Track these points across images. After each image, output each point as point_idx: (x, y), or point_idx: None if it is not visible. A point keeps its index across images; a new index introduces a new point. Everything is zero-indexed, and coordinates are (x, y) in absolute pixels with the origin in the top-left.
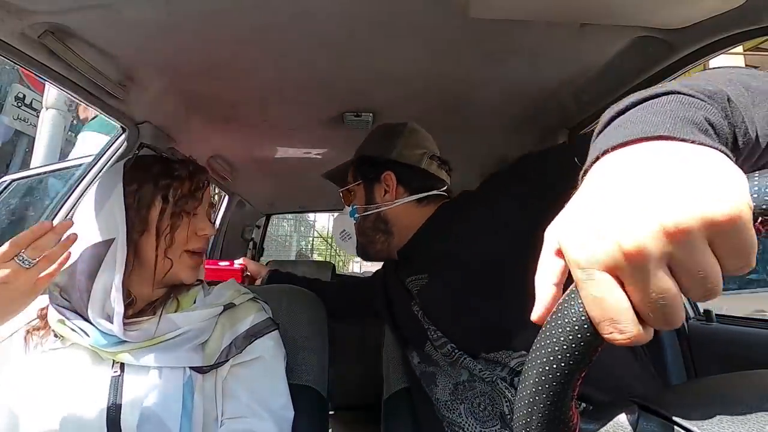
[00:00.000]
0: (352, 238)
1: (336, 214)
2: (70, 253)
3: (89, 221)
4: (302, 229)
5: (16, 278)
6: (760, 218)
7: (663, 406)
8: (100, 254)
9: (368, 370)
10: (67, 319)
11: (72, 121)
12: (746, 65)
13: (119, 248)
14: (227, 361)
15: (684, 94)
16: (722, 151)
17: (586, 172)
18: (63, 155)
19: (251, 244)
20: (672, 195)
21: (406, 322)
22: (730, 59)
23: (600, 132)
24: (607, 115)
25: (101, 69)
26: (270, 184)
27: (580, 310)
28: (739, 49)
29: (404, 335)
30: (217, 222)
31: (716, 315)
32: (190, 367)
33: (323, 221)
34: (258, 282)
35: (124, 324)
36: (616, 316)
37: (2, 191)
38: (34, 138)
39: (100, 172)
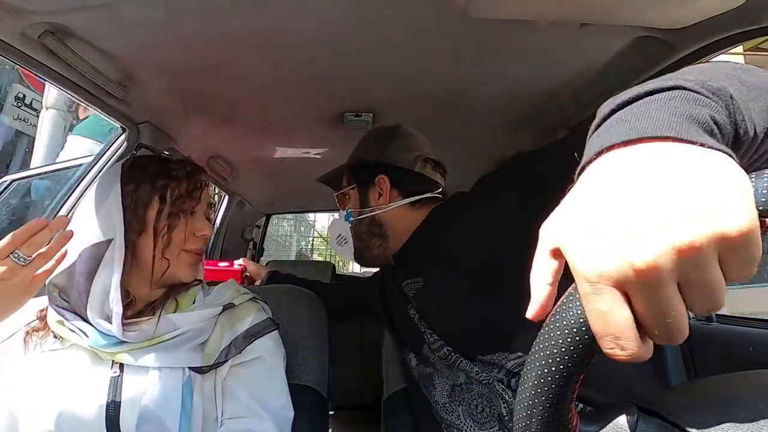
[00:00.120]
0: (348, 242)
1: (334, 216)
2: (66, 250)
3: (87, 221)
4: (302, 229)
5: (12, 275)
6: (766, 220)
7: (662, 408)
8: (98, 254)
9: (368, 370)
10: (66, 320)
11: (72, 121)
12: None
13: (117, 248)
14: (226, 361)
15: (689, 89)
16: (728, 154)
17: (583, 168)
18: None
19: (251, 244)
20: (683, 209)
21: (403, 325)
22: (730, 59)
23: (599, 125)
24: (607, 108)
25: (101, 69)
26: (270, 184)
27: (579, 312)
28: (739, 49)
29: (402, 337)
30: (217, 222)
31: (716, 315)
32: (190, 368)
33: (323, 221)
34: (258, 283)
35: (123, 324)
36: (620, 333)
37: (2, 191)
38: (34, 138)
39: (99, 172)
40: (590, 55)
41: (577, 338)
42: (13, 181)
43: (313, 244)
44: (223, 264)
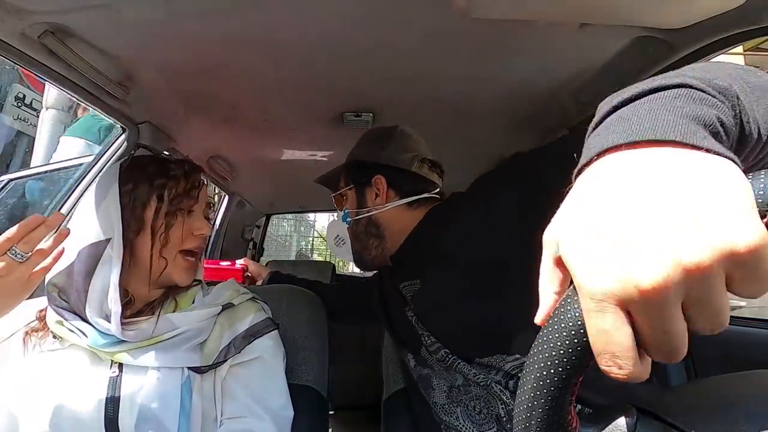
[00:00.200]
0: (346, 243)
1: (334, 216)
2: (63, 248)
3: (86, 221)
4: (302, 229)
5: (10, 272)
6: (767, 217)
7: (661, 410)
8: (97, 254)
9: (368, 370)
10: (65, 320)
11: (72, 121)
12: (746, 65)
13: (115, 247)
14: (225, 361)
15: (695, 88)
16: (734, 161)
17: (582, 169)
18: None
19: (251, 244)
20: (689, 224)
21: (401, 326)
22: (730, 59)
23: (599, 122)
24: (608, 104)
25: (101, 69)
26: (270, 184)
27: (577, 315)
28: (739, 49)
29: (401, 339)
30: (217, 222)
31: None
32: (189, 368)
33: (323, 221)
34: (259, 283)
35: (123, 324)
36: (619, 353)
37: (0, 191)
38: (34, 138)
39: (99, 172)
40: (590, 55)
41: (576, 341)
42: (11, 180)
43: (313, 244)
44: (225, 263)
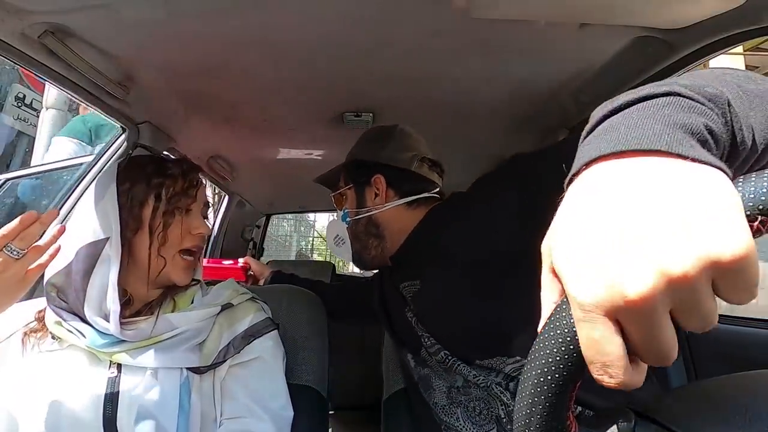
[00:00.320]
0: (345, 242)
1: (334, 216)
2: (60, 245)
3: (84, 221)
4: (302, 229)
5: (6, 269)
6: (759, 218)
7: (660, 413)
8: (95, 253)
9: (368, 370)
10: (64, 320)
11: None
12: (746, 65)
13: (113, 247)
14: (225, 361)
15: (684, 96)
16: (721, 169)
17: (573, 177)
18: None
19: (251, 244)
20: (675, 236)
21: (401, 327)
22: (730, 59)
23: (590, 131)
24: (599, 113)
25: (101, 69)
26: (270, 184)
27: (571, 322)
28: (739, 49)
29: (400, 339)
30: (217, 222)
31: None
32: (187, 368)
33: (323, 221)
34: (261, 283)
35: (121, 324)
36: (609, 362)
37: None
38: (34, 138)
39: (100, 171)
40: (590, 55)
41: (572, 347)
42: (8, 180)
43: (313, 244)
44: (227, 262)
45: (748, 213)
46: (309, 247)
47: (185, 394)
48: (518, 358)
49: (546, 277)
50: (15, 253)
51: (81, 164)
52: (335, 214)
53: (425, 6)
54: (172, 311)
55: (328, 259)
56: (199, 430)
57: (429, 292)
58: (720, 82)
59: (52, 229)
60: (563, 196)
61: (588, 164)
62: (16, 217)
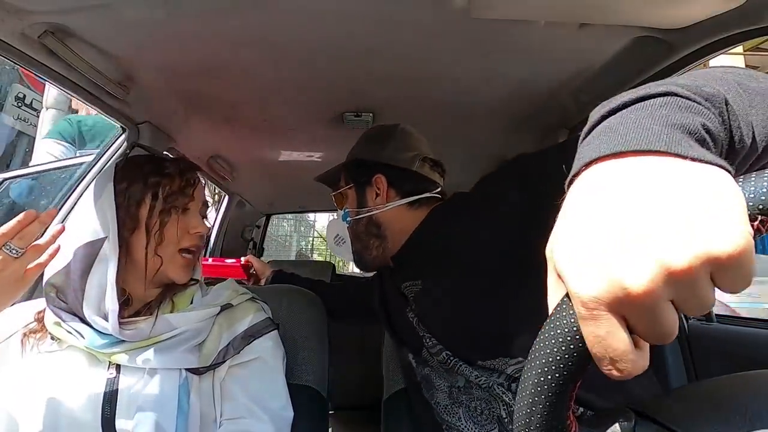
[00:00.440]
0: (346, 242)
1: (334, 216)
2: (59, 245)
3: (82, 221)
4: (302, 229)
5: (5, 267)
6: (759, 218)
7: (660, 413)
8: (93, 252)
9: (368, 370)
10: (63, 321)
11: None
12: (746, 65)
13: (110, 246)
14: (224, 362)
15: (681, 96)
16: (721, 166)
17: (572, 179)
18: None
19: (251, 244)
20: (675, 231)
21: (401, 327)
22: (730, 59)
23: (589, 132)
24: (597, 114)
25: (101, 69)
26: (270, 184)
27: (572, 321)
28: (739, 49)
29: (401, 339)
30: (217, 222)
31: (716, 315)
32: (186, 369)
33: (323, 221)
34: (263, 282)
35: (120, 324)
36: (617, 357)
37: None
38: (34, 138)
39: (100, 171)
40: (590, 55)
41: (572, 346)
42: (6, 179)
43: (313, 244)
44: (230, 261)
45: (749, 213)
46: (309, 247)
47: (184, 395)
48: (520, 359)
49: (551, 280)
50: (14, 251)
51: (81, 164)
52: (335, 213)
53: (425, 6)
54: (172, 311)
55: (328, 259)
56: (198, 431)
57: (431, 292)
58: (719, 81)
59: (52, 229)
60: (564, 198)
61: (588, 165)
62: (14, 217)
